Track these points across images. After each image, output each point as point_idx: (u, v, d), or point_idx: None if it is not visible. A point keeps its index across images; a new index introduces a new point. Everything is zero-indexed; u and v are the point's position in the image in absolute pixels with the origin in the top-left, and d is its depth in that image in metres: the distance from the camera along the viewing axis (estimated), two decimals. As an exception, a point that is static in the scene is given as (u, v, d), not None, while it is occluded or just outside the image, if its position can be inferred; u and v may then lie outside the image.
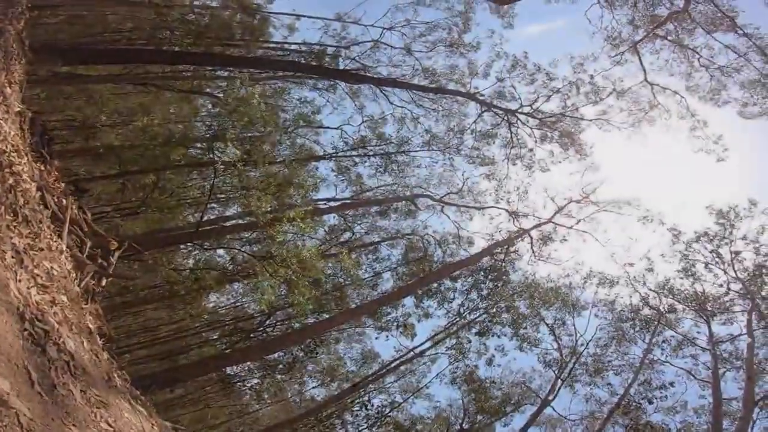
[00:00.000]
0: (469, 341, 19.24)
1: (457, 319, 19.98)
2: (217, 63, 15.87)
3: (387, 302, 18.45)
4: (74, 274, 6.73)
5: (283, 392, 20.89)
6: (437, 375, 19.92)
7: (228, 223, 18.67)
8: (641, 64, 16.78)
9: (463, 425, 17.88)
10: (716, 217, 20.29)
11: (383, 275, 21.10)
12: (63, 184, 8.56)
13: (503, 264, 21.07)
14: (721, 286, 20.02)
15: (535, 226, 21.69)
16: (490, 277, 20.65)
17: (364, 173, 21.47)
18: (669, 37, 15.71)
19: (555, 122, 19.71)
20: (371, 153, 21.18)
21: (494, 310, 19.78)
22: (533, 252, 21.60)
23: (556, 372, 19.02)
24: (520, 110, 19.32)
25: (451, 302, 20.17)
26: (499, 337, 19.51)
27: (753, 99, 16.18)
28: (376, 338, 20.30)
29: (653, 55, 16.75)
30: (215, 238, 17.17)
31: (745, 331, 18.22)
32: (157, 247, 14.73)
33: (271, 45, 20.39)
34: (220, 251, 18.23)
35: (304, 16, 19.91)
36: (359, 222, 22.21)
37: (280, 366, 16.69)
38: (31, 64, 7.72)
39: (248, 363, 17.78)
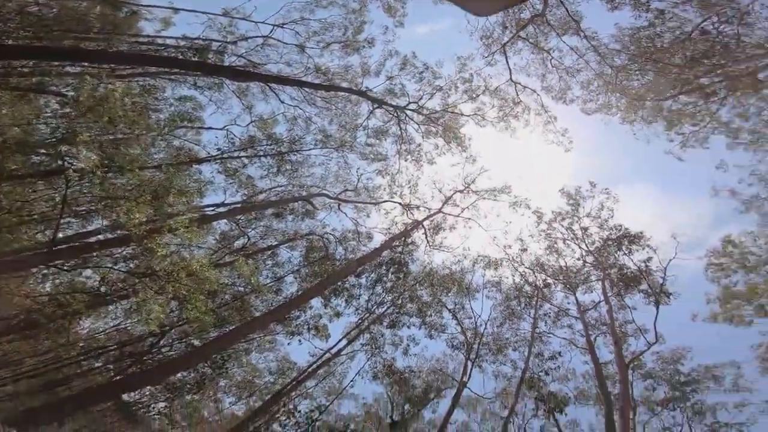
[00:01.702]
0: (382, 334, 19.49)
1: (367, 314, 20.06)
2: (65, 57, 13.62)
3: (294, 306, 17.61)
4: None
5: (198, 412, 18.34)
6: (358, 372, 19.92)
7: (92, 239, 15.89)
8: (508, 64, 18.92)
9: (393, 417, 17.91)
10: (567, 198, 24.08)
11: (286, 279, 20.15)
12: None
13: (402, 256, 21.85)
14: (578, 259, 23.59)
15: (427, 217, 22.97)
16: (391, 269, 21.24)
17: (256, 175, 20.21)
18: (530, 40, 18.07)
19: (438, 118, 21.18)
20: (262, 153, 20.11)
21: (400, 301, 20.36)
22: (428, 242, 22.88)
23: (465, 354, 20.28)
24: (408, 107, 20.31)
25: (358, 299, 20.27)
26: (408, 327, 20.30)
27: (590, 96, 19.66)
28: (289, 344, 19.55)
29: (516, 55, 18.92)
30: (77, 256, 14.47)
31: (602, 298, 21.29)
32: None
33: (141, 39, 18.02)
34: (87, 271, 15.32)
35: (184, 9, 18.00)
36: (254, 226, 20.86)
37: (188, 386, 14.66)
38: None
39: (148, 387, 15.24)
